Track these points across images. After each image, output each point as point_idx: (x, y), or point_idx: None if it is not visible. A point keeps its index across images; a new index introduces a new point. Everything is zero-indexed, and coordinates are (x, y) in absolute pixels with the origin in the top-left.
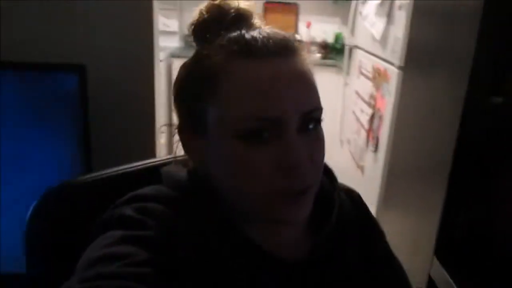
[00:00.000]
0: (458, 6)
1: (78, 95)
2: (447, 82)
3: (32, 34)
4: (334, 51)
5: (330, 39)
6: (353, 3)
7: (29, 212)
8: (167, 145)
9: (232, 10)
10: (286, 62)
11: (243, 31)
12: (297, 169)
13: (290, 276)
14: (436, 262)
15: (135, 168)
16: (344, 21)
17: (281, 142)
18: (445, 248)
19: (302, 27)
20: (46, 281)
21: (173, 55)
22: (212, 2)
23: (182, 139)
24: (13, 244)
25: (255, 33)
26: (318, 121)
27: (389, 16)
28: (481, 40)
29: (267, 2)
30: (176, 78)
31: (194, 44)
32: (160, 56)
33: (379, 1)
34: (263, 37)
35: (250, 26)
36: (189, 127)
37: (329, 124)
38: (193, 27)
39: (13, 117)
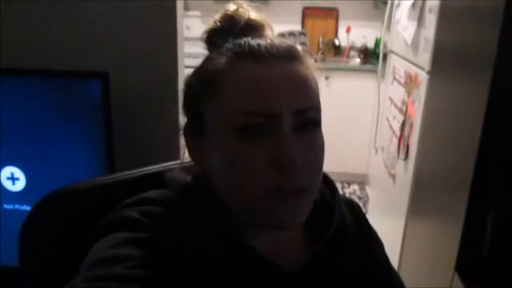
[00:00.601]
0: (483, 6)
1: (101, 101)
2: (473, 86)
3: (56, 41)
4: (374, 56)
5: (371, 44)
6: (388, 7)
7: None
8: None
9: (243, 20)
10: (286, 65)
11: (249, 38)
12: (289, 166)
13: (288, 285)
14: (456, 278)
15: (137, 174)
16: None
17: (276, 140)
18: (467, 264)
19: (341, 32)
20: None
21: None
22: (225, 11)
23: (186, 141)
24: None
25: (260, 40)
26: (316, 123)
27: (420, 20)
28: (503, 41)
29: (306, 8)
30: (184, 81)
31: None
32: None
33: (410, 5)
34: (267, 44)
35: (260, 36)
36: (192, 129)
37: (363, 131)
38: (206, 35)
39: (39, 121)
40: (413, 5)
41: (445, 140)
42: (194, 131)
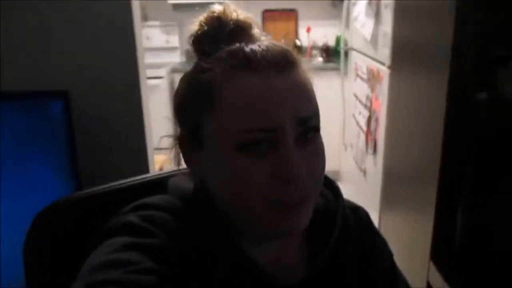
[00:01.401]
0: (437, 1)
1: (63, 120)
2: (433, 78)
3: (14, 63)
4: (336, 55)
5: (332, 43)
6: (345, 5)
7: (28, 228)
8: (175, 157)
9: (231, 22)
10: (284, 75)
11: (242, 44)
12: (294, 182)
13: None
14: (432, 266)
15: (136, 182)
16: (345, 24)
17: (279, 154)
18: (441, 253)
19: (302, 32)
20: None
21: (175, 71)
22: (211, 13)
23: (182, 152)
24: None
25: (254, 46)
26: (316, 129)
27: (377, 16)
28: (458, 36)
29: (266, 11)
30: (176, 90)
31: (195, 55)
32: (162, 72)
33: (367, 2)
34: (262, 50)
35: (249, 37)
36: (189, 140)
37: (332, 129)
38: (192, 38)
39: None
40: (369, 2)
41: (410, 133)
42: (191, 143)
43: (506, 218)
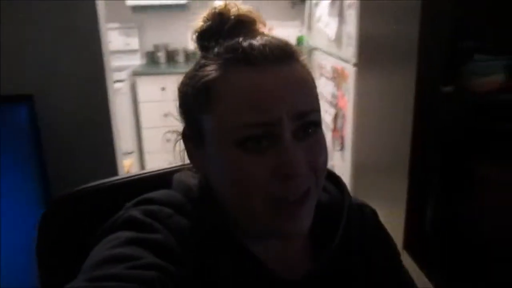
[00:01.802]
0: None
1: (28, 125)
2: (402, 74)
3: None
4: None
5: (293, 43)
6: (307, 5)
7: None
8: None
9: (233, 17)
10: (281, 69)
11: (241, 39)
12: (294, 176)
13: None
14: (406, 255)
15: (142, 176)
16: (307, 24)
17: (278, 149)
18: (414, 242)
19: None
20: None
21: (136, 74)
22: (213, 9)
23: (186, 148)
24: None
25: (252, 41)
26: (317, 124)
27: (341, 16)
28: (424, 28)
29: None
30: (178, 86)
31: (199, 51)
32: (123, 76)
33: (330, 2)
34: (260, 44)
35: (251, 32)
36: (191, 136)
37: None
38: (196, 34)
39: None
40: (332, 2)
41: (378, 128)
42: (193, 139)
43: (475, 204)
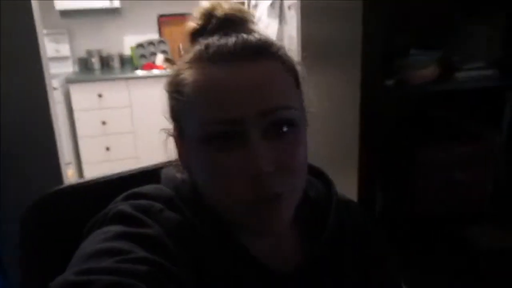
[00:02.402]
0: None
1: None
2: (343, 72)
3: None
4: None
5: None
6: (245, 8)
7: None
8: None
9: (219, 17)
10: (249, 64)
11: (215, 37)
12: (259, 176)
13: (283, 286)
14: None
15: (128, 173)
16: None
17: (244, 147)
18: None
19: None
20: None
21: (70, 81)
22: (201, 9)
23: (175, 144)
24: None
25: (226, 39)
26: (291, 123)
27: (281, 17)
28: (367, 29)
29: (161, 16)
30: (164, 86)
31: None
32: (54, 84)
33: (269, 3)
34: (233, 42)
35: (241, 31)
36: (176, 134)
37: None
38: (188, 36)
39: None
40: (272, 4)
41: (325, 125)
42: (179, 136)
43: (421, 184)
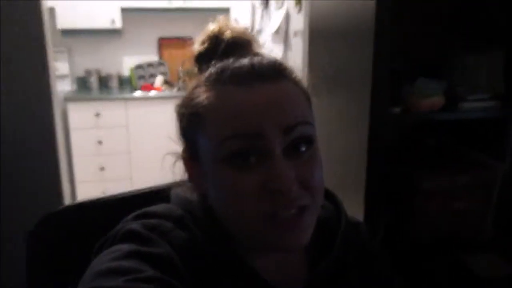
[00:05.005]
0: (351, 27)
1: None
2: (352, 98)
3: None
4: None
5: None
6: None
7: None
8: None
9: (227, 39)
10: (268, 86)
11: (231, 60)
12: (283, 193)
13: None
14: None
15: (137, 192)
16: None
17: (267, 165)
18: None
19: None
20: None
21: (68, 99)
22: (207, 32)
23: (185, 166)
24: None
25: (242, 61)
26: (309, 141)
27: (286, 43)
28: (377, 58)
29: (161, 38)
30: (176, 109)
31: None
32: None
33: (274, 30)
34: (249, 63)
35: (246, 53)
36: (189, 155)
37: None
38: (194, 58)
39: None
40: (277, 30)
41: (332, 151)
42: (191, 159)
43: (423, 211)
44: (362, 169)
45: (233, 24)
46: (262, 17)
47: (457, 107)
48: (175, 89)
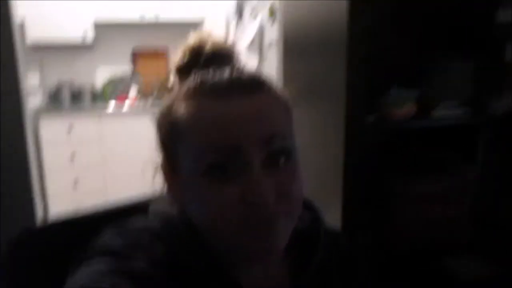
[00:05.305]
0: (325, 38)
1: None
2: (327, 108)
3: None
4: None
5: None
6: None
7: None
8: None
9: (208, 50)
10: (246, 99)
11: (210, 72)
12: (262, 206)
13: None
14: None
15: (114, 207)
16: None
17: (246, 178)
18: None
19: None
20: None
21: (38, 113)
22: (189, 43)
23: (164, 177)
24: None
25: (221, 73)
26: (288, 154)
27: (261, 54)
28: (351, 68)
29: (135, 50)
30: (155, 120)
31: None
32: None
33: (248, 41)
34: (228, 76)
35: (226, 64)
36: (168, 166)
37: None
38: (175, 69)
39: None
40: (252, 41)
41: (308, 160)
42: (170, 169)
43: (401, 217)
44: (339, 178)
45: (213, 36)
46: (236, 29)
47: (429, 115)
48: (150, 101)
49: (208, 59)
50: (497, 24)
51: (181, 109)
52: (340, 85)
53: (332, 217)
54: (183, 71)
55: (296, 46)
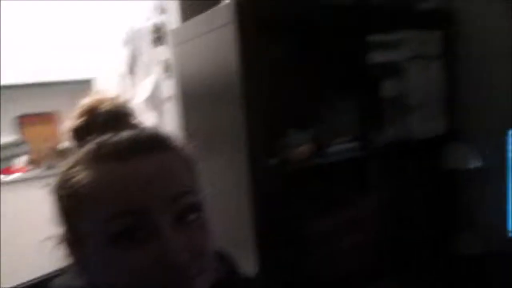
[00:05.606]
0: (220, 88)
1: None
2: (229, 157)
3: None
4: None
5: None
6: None
7: None
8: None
9: (104, 113)
10: (147, 159)
11: (108, 135)
12: (175, 268)
13: None
14: None
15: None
16: None
17: (156, 241)
18: None
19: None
20: None
21: None
22: (83, 105)
23: (68, 250)
24: None
25: (120, 136)
26: (197, 209)
27: (159, 110)
28: (248, 116)
29: (21, 116)
30: (53, 188)
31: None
32: None
33: (144, 98)
34: (127, 138)
35: (124, 126)
36: (71, 238)
37: None
38: (71, 133)
39: None
40: (149, 97)
41: (220, 208)
42: (73, 241)
43: (314, 254)
44: (249, 223)
45: (108, 95)
46: (130, 86)
47: (324, 152)
48: (41, 169)
49: (105, 120)
50: (373, 65)
51: (81, 175)
52: (239, 133)
53: (248, 263)
54: (79, 134)
55: (194, 99)
